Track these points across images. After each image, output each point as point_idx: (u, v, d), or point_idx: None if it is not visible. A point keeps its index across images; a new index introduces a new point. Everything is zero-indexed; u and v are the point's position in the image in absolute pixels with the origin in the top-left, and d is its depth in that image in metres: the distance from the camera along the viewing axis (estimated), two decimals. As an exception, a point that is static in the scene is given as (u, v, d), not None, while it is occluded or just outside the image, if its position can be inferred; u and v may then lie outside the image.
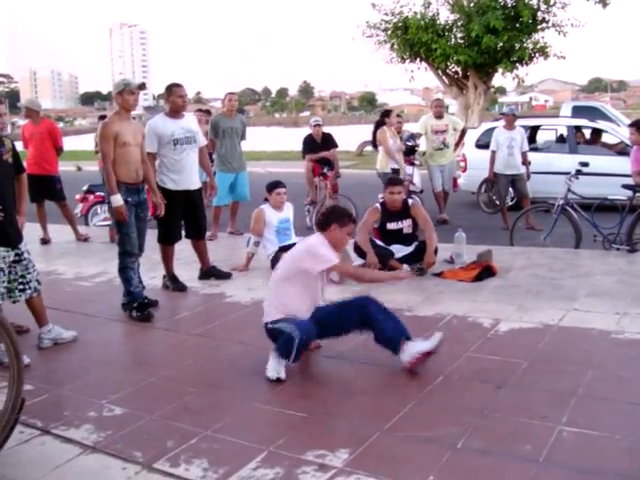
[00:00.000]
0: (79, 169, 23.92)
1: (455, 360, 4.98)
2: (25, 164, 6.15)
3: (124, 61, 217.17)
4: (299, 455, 3.71)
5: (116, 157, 6.28)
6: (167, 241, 7.36)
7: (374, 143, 11.66)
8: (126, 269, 6.49)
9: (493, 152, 11.40)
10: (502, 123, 11.92)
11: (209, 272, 7.78)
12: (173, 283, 7.42)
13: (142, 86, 6.71)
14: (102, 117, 12.78)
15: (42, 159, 10.13)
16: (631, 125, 8.61)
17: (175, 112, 7.26)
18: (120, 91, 6.37)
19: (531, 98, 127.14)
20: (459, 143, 12.72)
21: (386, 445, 3.80)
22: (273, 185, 8.11)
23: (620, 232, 8.59)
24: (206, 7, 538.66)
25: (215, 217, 10.33)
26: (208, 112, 16.00)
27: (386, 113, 11.78)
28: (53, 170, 10.29)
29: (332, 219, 5.21)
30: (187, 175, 7.32)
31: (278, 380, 4.76)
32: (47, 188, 10.19)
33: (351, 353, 5.28)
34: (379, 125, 11.38)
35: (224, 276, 7.77)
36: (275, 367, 4.83)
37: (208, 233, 10.16)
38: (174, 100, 7.22)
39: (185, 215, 7.38)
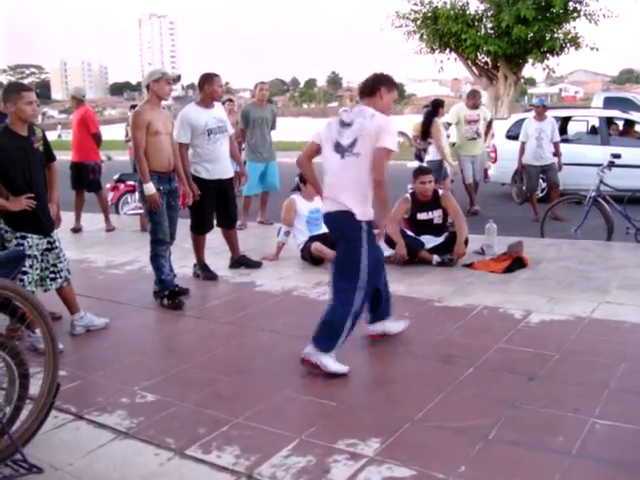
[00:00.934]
0: (109, 158, 23.98)
1: (486, 351, 4.97)
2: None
3: (153, 52, 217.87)
4: (330, 444, 3.72)
5: (148, 146, 6.31)
6: (200, 230, 7.39)
7: (425, 134, 11.19)
8: (158, 257, 6.53)
9: (522, 143, 11.32)
10: (532, 114, 11.83)
11: (240, 261, 7.81)
12: (204, 272, 7.46)
13: (178, 78, 6.78)
14: (133, 107, 12.86)
15: (77, 147, 10.31)
16: None
17: (210, 101, 7.24)
18: (157, 79, 6.40)
19: (561, 89, 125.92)
20: (487, 134, 12.61)
21: (417, 435, 3.80)
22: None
23: (653, 225, 8.50)
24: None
25: (245, 207, 10.35)
26: (231, 101, 16.07)
27: (440, 103, 11.36)
28: (88, 158, 10.34)
29: (379, 82, 4.89)
30: (221, 164, 7.33)
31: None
32: (84, 176, 10.29)
33: (381, 343, 5.28)
34: (431, 116, 11.06)
35: (254, 265, 7.79)
36: (332, 363, 4.70)
37: (238, 222, 10.22)
38: (215, 89, 7.20)
39: (217, 204, 7.40)
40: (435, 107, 11.15)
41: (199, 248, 7.48)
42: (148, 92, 6.50)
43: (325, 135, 4.93)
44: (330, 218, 4.89)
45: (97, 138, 10.44)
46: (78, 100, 10.43)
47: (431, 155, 11.01)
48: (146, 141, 6.30)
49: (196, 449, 3.74)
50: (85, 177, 10.29)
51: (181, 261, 7.66)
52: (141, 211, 8.02)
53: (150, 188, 6.29)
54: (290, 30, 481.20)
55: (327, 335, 4.70)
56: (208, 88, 7.18)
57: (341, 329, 4.67)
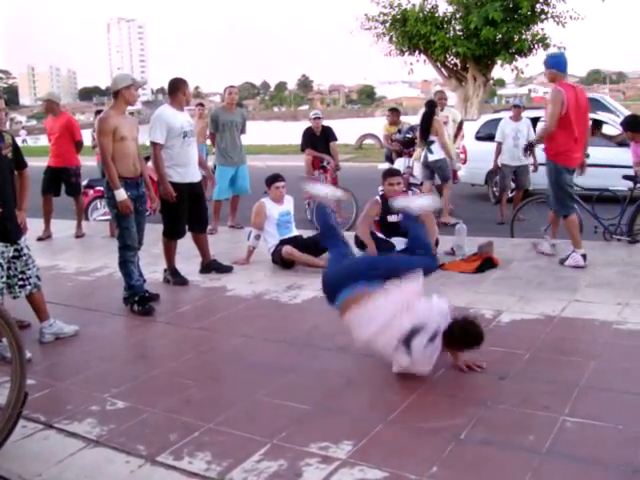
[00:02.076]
0: (78, 164, 23.92)
1: (457, 352, 4.97)
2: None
3: (122, 56, 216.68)
4: (302, 447, 3.71)
5: (114, 152, 6.27)
6: (173, 235, 7.35)
7: (425, 134, 11.08)
8: (127, 263, 6.49)
9: (499, 143, 11.41)
10: (506, 114, 11.93)
11: (210, 266, 7.78)
12: (174, 277, 7.42)
13: (144, 84, 6.82)
14: (98, 112, 12.81)
15: (62, 152, 10.35)
16: (620, 124, 8.64)
17: (182, 106, 7.32)
18: (129, 85, 6.38)
19: (530, 90, 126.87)
20: (457, 135, 12.67)
21: (389, 437, 3.80)
22: (272, 179, 8.11)
23: (621, 223, 8.59)
24: (204, 1, 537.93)
25: (215, 211, 10.32)
26: (202, 105, 16.03)
27: (434, 103, 11.45)
28: (71, 162, 10.47)
29: None
30: (192, 168, 7.37)
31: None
32: (66, 181, 10.41)
33: (353, 345, 5.26)
34: (429, 116, 11.08)
35: (225, 270, 7.76)
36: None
37: (209, 227, 10.20)
38: (188, 94, 7.35)
39: (189, 208, 7.38)
40: (430, 107, 11.22)
41: (170, 253, 7.44)
42: (114, 97, 6.45)
43: None
44: None
45: (80, 145, 10.58)
46: (56, 105, 10.37)
47: (436, 154, 10.96)
48: (113, 147, 6.26)
49: (167, 455, 3.71)
50: (67, 181, 10.37)
51: (151, 266, 7.63)
52: (110, 217, 7.95)
53: (121, 194, 6.25)
54: (260, 34, 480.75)
55: None
56: (183, 93, 7.25)
57: None
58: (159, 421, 4.15)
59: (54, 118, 10.40)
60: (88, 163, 17.80)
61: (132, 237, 6.45)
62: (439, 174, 11.14)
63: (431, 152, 10.98)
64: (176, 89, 7.27)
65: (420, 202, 5.66)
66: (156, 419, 4.18)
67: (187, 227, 7.56)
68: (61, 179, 10.44)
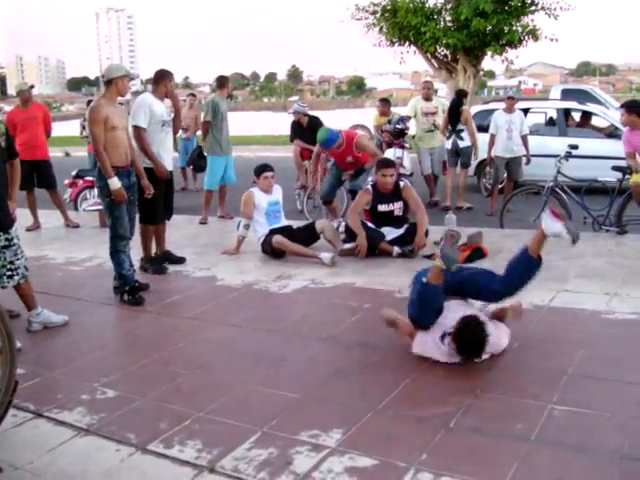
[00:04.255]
0: (67, 154, 23.81)
1: (447, 341, 4.99)
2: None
3: (111, 46, 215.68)
4: (293, 435, 3.73)
5: (106, 141, 6.26)
6: (151, 221, 7.36)
7: (454, 123, 11.61)
8: (118, 252, 6.47)
9: (492, 135, 11.43)
10: (500, 106, 11.97)
11: (164, 256, 7.79)
12: (152, 265, 7.45)
13: (136, 77, 6.84)
14: (90, 102, 12.74)
15: (34, 144, 9.99)
16: (622, 106, 8.63)
17: (163, 96, 7.43)
18: (122, 76, 6.38)
19: (520, 82, 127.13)
20: (447, 125, 12.70)
21: (379, 425, 3.82)
22: (260, 169, 8.10)
23: (610, 214, 8.63)
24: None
25: (206, 201, 10.31)
26: (194, 96, 16.00)
27: (464, 93, 12.16)
28: (46, 155, 10.25)
29: None
30: (168, 155, 7.50)
31: None
32: (39, 174, 10.12)
33: (343, 334, 5.30)
34: (458, 105, 11.60)
35: (178, 261, 7.78)
36: None
37: (199, 217, 10.21)
38: (169, 87, 7.44)
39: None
40: (459, 96, 11.82)
41: (148, 240, 7.49)
42: (107, 86, 6.43)
43: None
44: None
45: (49, 135, 10.43)
46: (29, 95, 10.21)
47: (466, 141, 11.58)
48: (104, 137, 6.25)
49: (158, 444, 3.72)
50: (44, 174, 10.16)
51: (138, 256, 7.59)
52: (100, 207, 7.94)
53: (115, 182, 6.24)
54: (250, 24, 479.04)
55: None
56: (168, 84, 7.39)
57: None
58: (149, 410, 4.16)
59: (23, 109, 10.05)
60: (78, 154, 17.82)
61: (124, 226, 6.44)
62: (463, 159, 11.73)
63: (462, 139, 11.53)
64: (159, 80, 7.42)
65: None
66: (146, 408, 4.19)
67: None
68: (36, 172, 10.10)
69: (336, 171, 9.24)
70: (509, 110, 11.46)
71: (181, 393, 4.38)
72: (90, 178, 10.80)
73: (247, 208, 7.96)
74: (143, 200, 7.02)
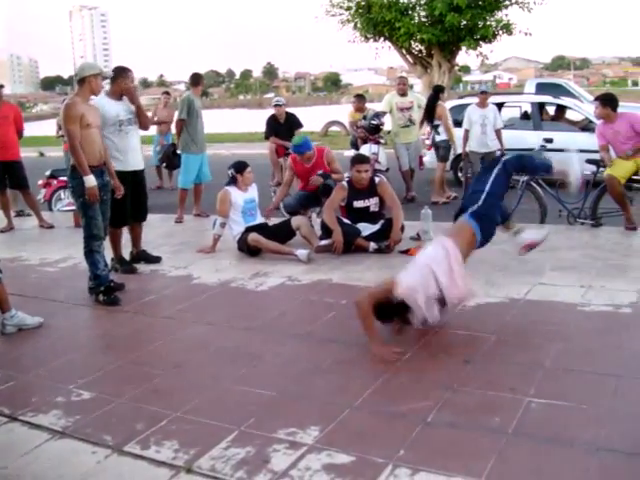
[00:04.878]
0: (42, 155, 23.61)
1: (423, 336, 5.00)
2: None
3: (85, 44, 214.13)
4: (270, 434, 3.71)
5: (81, 139, 6.20)
6: (117, 223, 7.25)
7: (430, 118, 11.96)
8: (92, 253, 6.41)
9: (466, 130, 11.48)
10: (473, 101, 12.02)
11: (140, 256, 7.75)
12: (122, 265, 7.41)
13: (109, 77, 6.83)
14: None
15: (5, 145, 9.89)
16: (596, 99, 8.68)
17: (121, 94, 7.22)
18: (96, 74, 6.34)
19: (495, 76, 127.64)
20: (423, 121, 12.73)
21: (356, 421, 3.82)
22: (242, 166, 8.03)
23: (584, 207, 8.69)
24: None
25: (181, 200, 10.27)
26: (168, 94, 15.93)
27: (441, 88, 12.37)
28: (17, 155, 10.13)
29: None
30: (134, 155, 7.35)
31: None
32: (11, 175, 10.02)
33: (319, 331, 5.29)
34: (434, 100, 11.85)
35: (154, 260, 7.75)
36: None
37: (175, 216, 10.16)
38: (128, 84, 7.21)
39: (131, 196, 7.28)
40: (436, 92, 12.01)
41: (116, 242, 7.43)
42: (80, 85, 6.37)
43: None
44: None
45: (21, 135, 10.30)
46: None
47: (442, 135, 11.84)
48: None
49: (134, 445, 3.69)
50: (16, 175, 10.06)
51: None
52: (75, 207, 7.87)
53: (91, 180, 6.19)
54: (225, 21, 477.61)
55: None
56: (122, 82, 7.15)
57: None
58: (125, 411, 4.13)
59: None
60: (53, 154, 17.68)
61: (98, 226, 6.39)
62: (438, 153, 11.98)
63: (438, 133, 11.83)
64: (115, 78, 7.24)
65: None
66: (122, 409, 4.15)
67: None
68: (8, 173, 10.00)
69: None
70: (482, 105, 11.51)
71: (157, 393, 4.35)
72: (64, 178, 10.71)
73: (223, 206, 7.92)
74: (111, 202, 6.93)
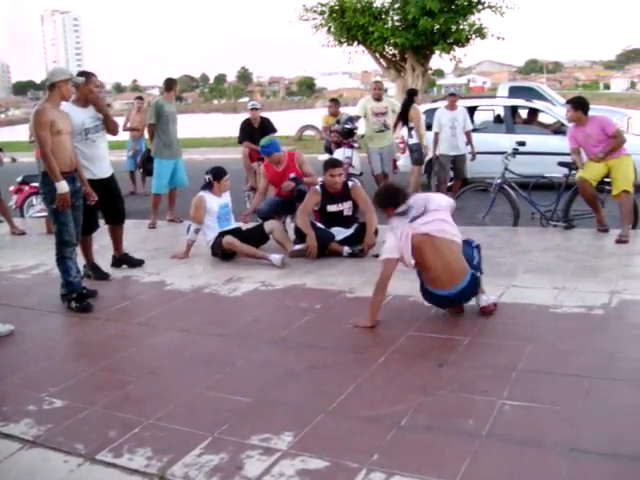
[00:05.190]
0: (14, 160, 23.33)
1: (397, 339, 5.02)
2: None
3: (58, 49, 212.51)
4: (243, 440, 3.69)
5: (51, 145, 6.14)
6: (86, 230, 7.15)
7: (405, 122, 12.22)
8: (64, 259, 6.36)
9: (436, 133, 11.52)
10: (444, 104, 12.07)
11: (122, 259, 7.72)
12: (95, 272, 7.36)
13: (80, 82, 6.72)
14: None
15: None
16: (568, 102, 8.74)
17: (86, 101, 7.09)
18: (66, 80, 6.27)
19: (469, 80, 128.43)
20: (397, 125, 12.76)
21: (330, 426, 3.81)
22: (221, 173, 7.99)
23: (557, 209, 8.76)
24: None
25: (154, 205, 10.22)
26: (141, 99, 15.83)
27: (415, 92, 12.60)
28: None
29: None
30: (101, 163, 7.27)
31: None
32: None
33: (293, 336, 5.28)
34: (408, 103, 12.10)
35: (137, 263, 7.73)
36: None
37: (148, 221, 10.10)
38: (90, 89, 7.04)
39: (104, 202, 7.22)
40: (410, 95, 12.26)
41: (87, 249, 7.36)
42: (50, 90, 6.30)
43: None
44: None
45: None
46: None
47: (414, 138, 12.08)
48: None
49: (107, 453, 3.65)
50: None
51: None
52: (47, 213, 7.80)
53: (63, 186, 6.12)
54: (198, 25, 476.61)
55: None
56: (84, 87, 6.97)
57: None
58: (98, 419, 4.09)
59: None
60: (25, 159, 17.49)
61: (70, 233, 6.34)
62: (412, 156, 12.16)
63: (411, 136, 12.06)
64: (78, 83, 7.10)
65: None
66: (95, 417, 4.12)
67: (104, 220, 7.51)
68: None
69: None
70: (451, 107, 11.55)
71: (130, 400, 4.32)
72: (36, 184, 10.60)
73: (198, 213, 7.87)
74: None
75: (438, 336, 5.10)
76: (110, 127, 7.29)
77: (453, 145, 11.43)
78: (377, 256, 7.36)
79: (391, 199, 5.46)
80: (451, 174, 12.19)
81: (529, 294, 5.96)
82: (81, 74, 7.14)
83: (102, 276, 7.31)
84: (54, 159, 6.12)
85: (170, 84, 10.43)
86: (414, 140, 12.03)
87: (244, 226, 8.30)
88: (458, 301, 5.47)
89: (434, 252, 5.24)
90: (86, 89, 7.00)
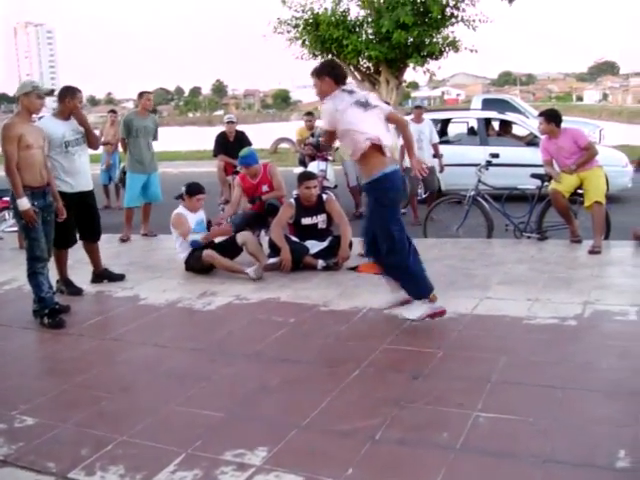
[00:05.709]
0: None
1: (371, 353, 5.01)
2: None
3: (31, 62, 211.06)
4: (217, 455, 3.67)
5: (20, 160, 6.09)
6: (63, 245, 7.14)
7: None
8: (36, 275, 6.30)
9: (402, 146, 11.48)
10: (410, 117, 12.09)
11: (102, 275, 7.66)
12: (68, 287, 7.29)
13: (51, 93, 6.62)
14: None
15: None
16: (540, 115, 8.81)
17: (68, 114, 7.11)
18: (27, 92, 6.21)
19: (443, 92, 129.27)
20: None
21: (304, 441, 3.79)
22: (196, 190, 7.96)
23: (530, 221, 8.81)
24: (115, 6, 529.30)
25: (127, 219, 10.16)
26: (114, 112, 15.76)
27: (386, 104, 12.29)
28: None
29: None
30: (81, 176, 7.23)
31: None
32: None
33: (267, 350, 5.26)
34: None
35: (117, 278, 7.67)
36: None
37: (121, 235, 10.04)
38: (75, 104, 7.09)
39: (81, 217, 7.21)
40: None
41: (62, 263, 7.30)
42: (19, 104, 6.29)
43: None
44: None
45: None
46: None
47: None
48: (18, 155, 6.08)
49: (79, 472, 3.61)
50: None
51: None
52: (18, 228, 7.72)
53: (24, 203, 6.07)
54: (174, 38, 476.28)
55: None
56: (69, 102, 7.04)
57: None
58: (70, 436, 4.04)
59: None
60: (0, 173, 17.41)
61: (41, 248, 6.27)
62: None
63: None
64: (60, 98, 7.13)
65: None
66: (67, 434, 4.07)
67: (79, 236, 7.43)
68: None
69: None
70: (418, 120, 11.50)
71: (103, 417, 4.27)
72: (7, 198, 10.51)
73: (184, 227, 7.78)
74: (56, 223, 6.82)
75: (412, 349, 5.10)
76: (91, 140, 7.32)
77: (420, 158, 11.36)
78: (353, 269, 7.42)
79: (342, 71, 5.66)
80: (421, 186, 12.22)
81: (503, 306, 5.99)
82: (65, 89, 7.17)
83: (75, 291, 7.25)
84: (22, 175, 6.07)
85: (139, 97, 10.39)
86: None
87: (217, 239, 8.24)
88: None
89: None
90: (71, 104, 7.05)
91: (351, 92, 5.48)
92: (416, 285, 5.49)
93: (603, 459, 3.41)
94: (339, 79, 5.53)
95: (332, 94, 5.44)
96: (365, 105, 5.42)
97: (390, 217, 5.36)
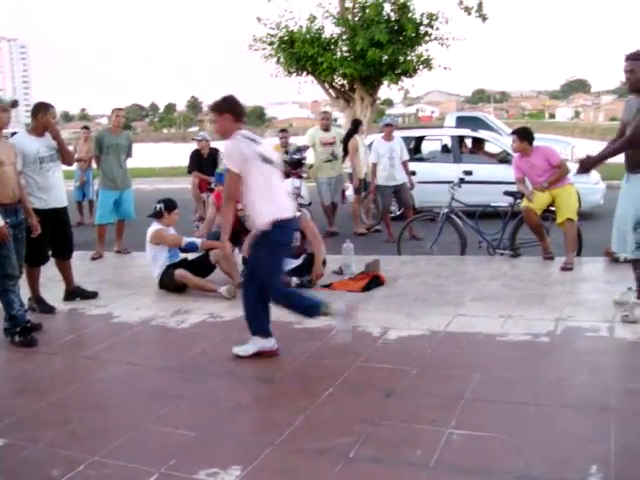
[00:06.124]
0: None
1: (345, 370, 5.01)
2: None
3: (4, 77, 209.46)
4: (191, 475, 3.64)
5: None
6: (35, 262, 7.07)
7: (345, 150, 12.31)
8: (7, 292, 6.22)
9: (374, 164, 11.47)
10: (378, 136, 12.18)
11: (74, 293, 7.60)
12: (40, 305, 7.22)
13: (14, 104, 6.54)
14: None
15: None
16: (513, 133, 8.89)
17: (42, 130, 7.10)
18: None
19: (418, 109, 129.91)
20: (345, 156, 12.82)
21: (278, 459, 3.78)
22: (172, 205, 7.95)
23: (503, 237, 8.88)
24: (89, 23, 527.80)
25: (100, 236, 10.09)
26: (87, 129, 15.70)
27: (359, 122, 12.73)
28: None
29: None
30: (55, 193, 7.19)
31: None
32: None
33: (241, 369, 5.24)
34: (351, 134, 12.18)
35: (90, 296, 7.61)
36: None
37: (93, 252, 9.96)
38: (48, 120, 7.09)
39: (53, 234, 7.14)
40: (355, 126, 12.33)
41: (34, 281, 7.23)
42: None
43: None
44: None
45: None
46: None
47: (348, 168, 12.36)
48: None
49: (50, 493, 3.58)
50: None
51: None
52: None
53: None
54: (149, 54, 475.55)
55: None
56: (42, 117, 7.05)
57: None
58: (41, 457, 3.99)
59: None
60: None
61: (12, 265, 6.21)
62: (352, 185, 12.26)
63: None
64: (33, 114, 7.12)
65: None
66: (38, 455, 4.02)
67: (51, 253, 7.37)
68: None
69: None
70: (388, 138, 11.50)
71: (75, 437, 4.23)
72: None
73: (172, 236, 7.84)
74: (29, 240, 6.77)
75: (385, 366, 5.10)
76: (65, 157, 7.32)
77: (391, 176, 11.32)
78: (326, 286, 7.42)
79: (242, 109, 5.61)
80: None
81: (476, 323, 6.02)
82: (38, 105, 7.17)
83: (47, 309, 7.18)
84: None
85: (111, 114, 10.39)
86: (349, 170, 12.30)
87: (190, 256, 8.21)
88: None
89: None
90: (44, 120, 7.05)
91: (254, 140, 5.41)
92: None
93: (575, 474, 3.44)
94: (239, 116, 5.43)
95: (234, 135, 5.33)
96: (271, 162, 5.42)
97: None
